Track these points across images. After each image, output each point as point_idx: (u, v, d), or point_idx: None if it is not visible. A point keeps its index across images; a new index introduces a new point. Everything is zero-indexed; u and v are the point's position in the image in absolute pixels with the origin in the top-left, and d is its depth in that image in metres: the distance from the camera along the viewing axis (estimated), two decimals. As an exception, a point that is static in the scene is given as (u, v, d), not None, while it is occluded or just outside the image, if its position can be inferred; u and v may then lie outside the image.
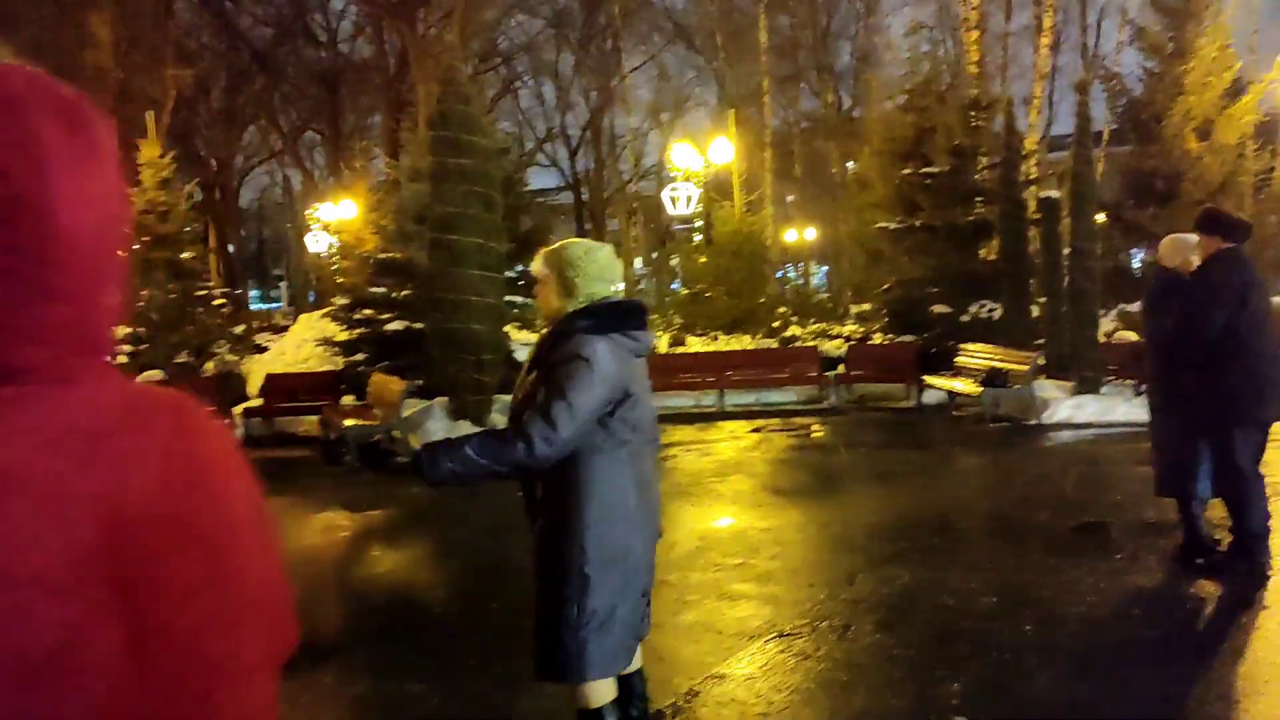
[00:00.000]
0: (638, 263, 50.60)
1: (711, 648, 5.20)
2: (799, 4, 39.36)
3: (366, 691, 4.88)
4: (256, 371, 17.99)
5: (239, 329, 22.44)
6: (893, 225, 18.12)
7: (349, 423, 12.53)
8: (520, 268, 19.45)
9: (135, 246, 20.14)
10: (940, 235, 17.28)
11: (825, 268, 49.97)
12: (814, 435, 12.76)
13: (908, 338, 16.58)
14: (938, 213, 17.42)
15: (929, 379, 14.49)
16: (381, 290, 15.64)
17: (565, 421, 3.04)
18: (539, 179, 58.95)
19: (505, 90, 47.71)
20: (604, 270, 3.28)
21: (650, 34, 45.87)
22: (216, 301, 21.52)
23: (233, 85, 43.56)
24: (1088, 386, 13.34)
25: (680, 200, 23.89)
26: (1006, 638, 5.12)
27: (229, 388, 15.75)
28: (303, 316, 23.08)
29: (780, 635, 5.29)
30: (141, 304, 19.02)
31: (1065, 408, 12.84)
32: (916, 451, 11.21)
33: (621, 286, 3.53)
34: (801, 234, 41.76)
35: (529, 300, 18.11)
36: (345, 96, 44.47)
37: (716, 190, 26.26)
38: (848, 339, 19.34)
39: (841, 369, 16.03)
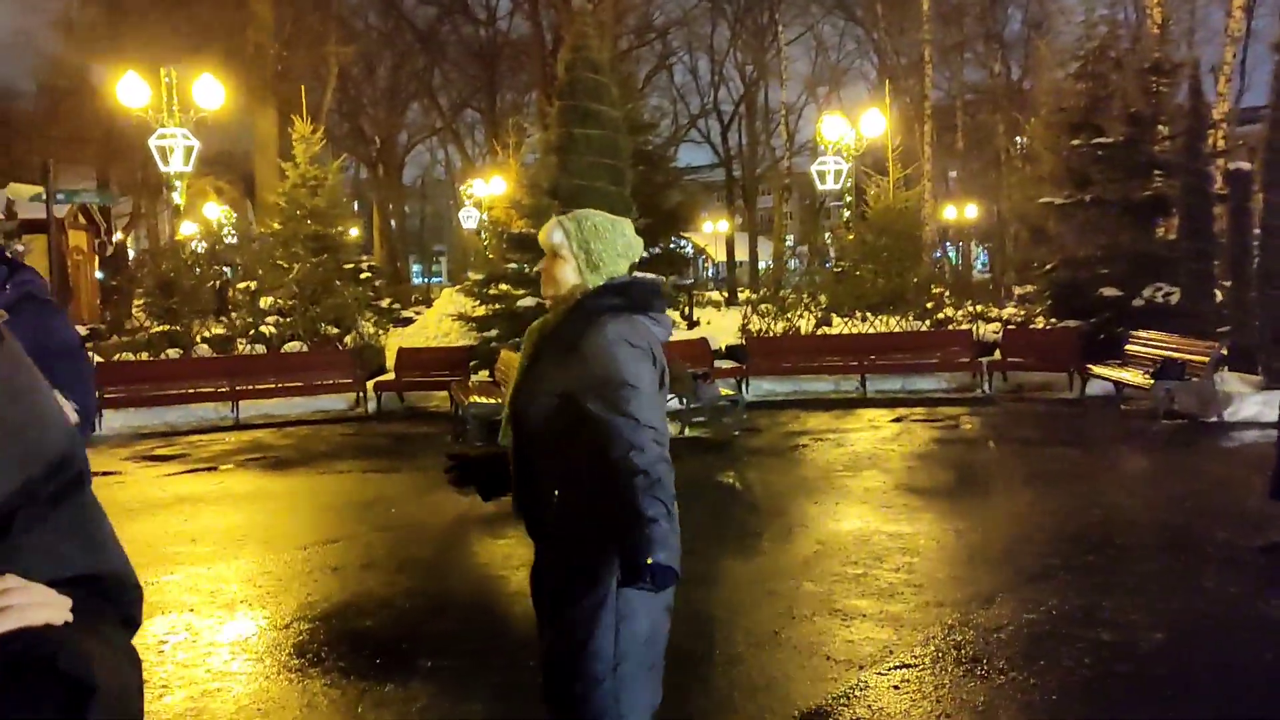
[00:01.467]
0: (789, 240, 49.64)
1: (815, 676, 4.53)
2: (967, -32, 37.55)
3: (423, 708, 4.41)
4: (397, 345, 18.04)
5: (385, 302, 22.72)
6: (1059, 200, 16.77)
7: (473, 400, 12.27)
8: (657, 248, 18.96)
9: (286, 220, 20.53)
10: (1112, 211, 15.87)
11: (985, 247, 48.01)
12: (962, 427, 11.80)
13: (1072, 323, 15.30)
14: (1110, 186, 16.00)
15: (1094, 369, 13.27)
16: (514, 265, 15.36)
17: (649, 408, 2.56)
18: (691, 156, 58.54)
19: (660, 66, 47.44)
20: (629, 246, 2.82)
21: (809, 5, 44.78)
22: (364, 275, 21.80)
23: (396, 64, 44.48)
24: (1277, 380, 11.93)
25: (829, 175, 22.88)
26: (1175, 687, 4.28)
27: (366, 360, 15.73)
28: (445, 291, 23.19)
29: (898, 666, 4.58)
30: (290, 276, 19.37)
31: (1251, 404, 11.50)
32: (1076, 450, 10.14)
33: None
34: (961, 211, 39.90)
35: (664, 277, 17.57)
36: (503, 74, 44.88)
37: (873, 165, 25.20)
38: (1005, 323, 18.12)
39: (997, 355, 14.91)
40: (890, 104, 25.63)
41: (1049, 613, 5.23)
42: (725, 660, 4.76)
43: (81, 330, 22.16)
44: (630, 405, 2.51)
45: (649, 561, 2.45)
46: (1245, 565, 5.96)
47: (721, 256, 50.86)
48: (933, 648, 4.77)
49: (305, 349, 16.61)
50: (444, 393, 14.03)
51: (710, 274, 55.35)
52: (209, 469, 10.45)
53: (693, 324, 18.96)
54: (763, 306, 18.17)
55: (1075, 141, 17.05)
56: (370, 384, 14.56)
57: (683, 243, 21.79)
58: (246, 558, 6.79)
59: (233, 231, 35.54)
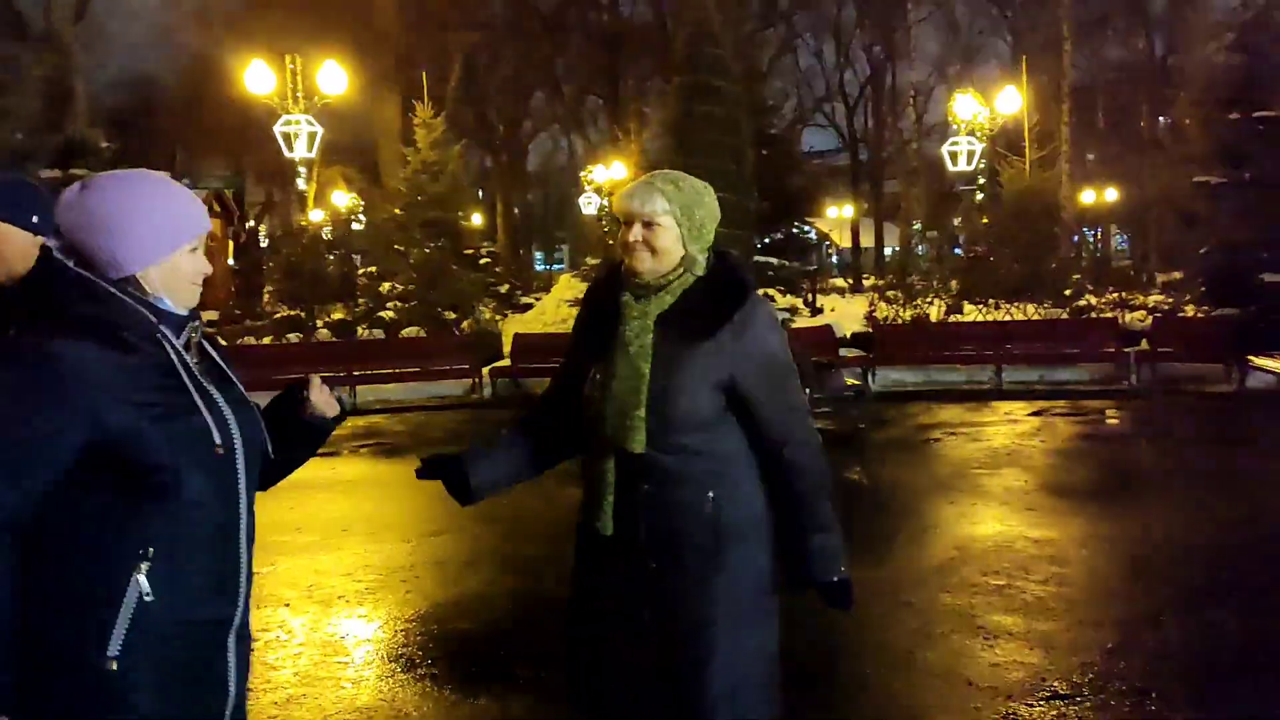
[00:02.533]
0: (916, 225, 48.22)
1: (955, 705, 4.01)
2: (1110, -60, 35.80)
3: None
4: (514, 331, 17.89)
5: (504, 288, 22.66)
6: (1214, 180, 15.58)
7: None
8: (779, 233, 18.38)
9: (406, 205, 20.60)
10: (1273, 190, 14.64)
11: (1123, 233, 45.86)
12: (1108, 422, 10.97)
13: (1228, 310, 14.17)
14: (1272, 165, 14.77)
15: (1255, 359, 12.23)
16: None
17: (804, 396, 2.55)
18: (816, 141, 57.51)
19: (784, 50, 46.62)
20: (717, 213, 2.53)
21: (941, -19, 43.35)
22: (483, 260, 21.76)
23: (520, 52, 44.67)
24: None
25: (961, 156, 21.89)
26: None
27: (483, 346, 15.59)
28: (563, 277, 23.00)
29: (1052, 696, 4.02)
30: (411, 261, 19.42)
31: None
32: (1238, 449, 9.24)
33: None
34: (1101, 195, 38.05)
35: (786, 263, 17.01)
36: (625, 60, 44.64)
37: (1005, 146, 24.09)
38: (1152, 310, 17.00)
39: (1145, 345, 13.91)
40: (1026, 82, 24.41)
41: (1228, 637, 4.58)
42: (852, 683, 4.27)
43: (210, 316, 22.73)
44: (796, 394, 2.42)
45: (836, 579, 2.45)
46: None
47: (846, 242, 49.74)
48: (1092, 675, 4.20)
49: (423, 334, 16.57)
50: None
51: (834, 261, 54.24)
52: (322, 454, 10.33)
53: (816, 311, 18.35)
54: (890, 293, 17.39)
55: (1232, 116, 15.85)
56: (486, 370, 14.39)
57: (805, 227, 21.14)
58: (349, 549, 6.56)
59: (361, 218, 36.16)
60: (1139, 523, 6.66)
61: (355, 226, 34.84)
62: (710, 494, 2.33)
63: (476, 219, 48.63)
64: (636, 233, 2.38)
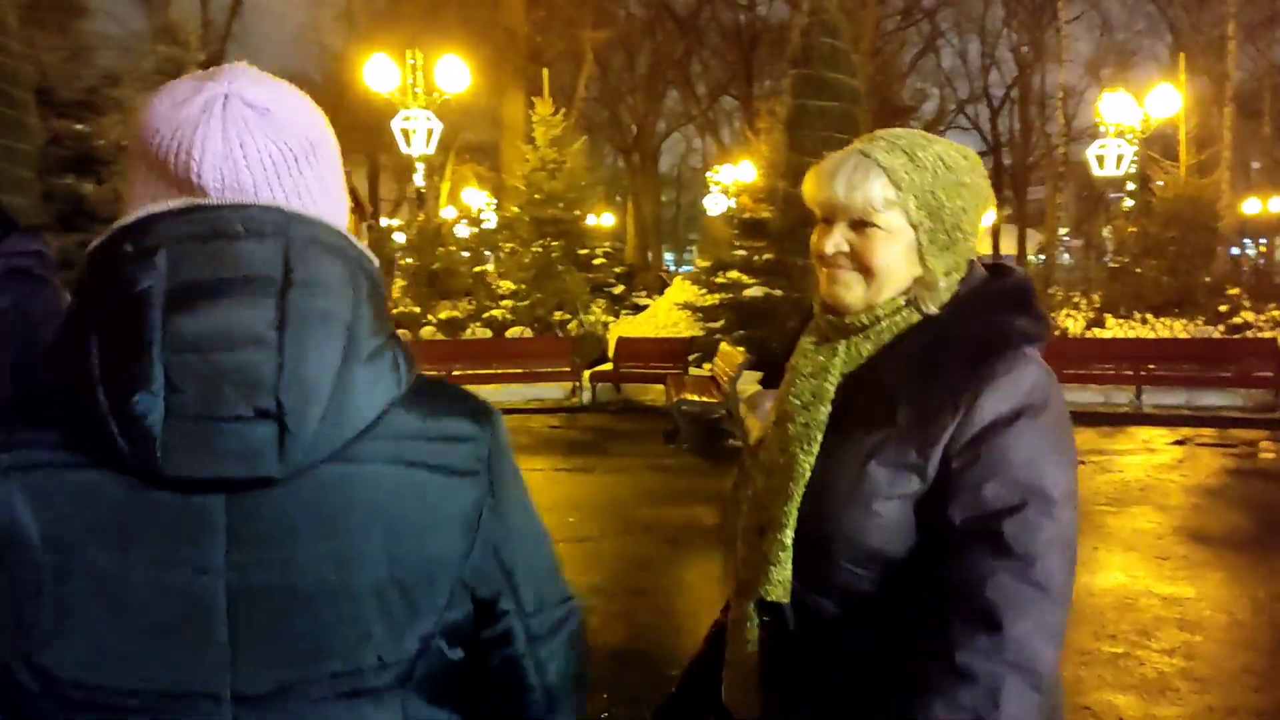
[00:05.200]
0: (1062, 233, 46.15)
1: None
2: (1284, -71, 33.52)
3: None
4: (626, 334, 17.45)
5: (618, 289, 22.23)
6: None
7: (687, 397, 11.40)
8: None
9: (524, 203, 20.40)
10: None
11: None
12: (1262, 456, 9.82)
13: None
14: None
15: None
16: (742, 253, 14.34)
17: (1064, 564, 1.35)
18: (962, 144, 55.78)
19: (927, 48, 45.29)
20: (988, 197, 1.52)
21: (1096, -22, 41.40)
22: (597, 260, 21.38)
23: (655, 51, 44.44)
24: None
25: (1109, 160, 20.45)
26: None
27: (588, 349, 15.16)
28: (677, 280, 22.49)
29: (1167, 810, 3.26)
30: (526, 260, 19.19)
31: None
32: None
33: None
34: (1266, 204, 35.55)
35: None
36: (761, 59, 43.98)
37: (1161, 151, 22.54)
38: (1321, 330, 15.48)
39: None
40: (1186, 84, 22.78)
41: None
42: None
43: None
44: (1029, 538, 1.31)
45: None
46: None
47: (987, 249, 47.99)
48: (1220, 785, 3.41)
49: (528, 335, 16.26)
50: (661, 386, 13.22)
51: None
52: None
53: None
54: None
55: None
56: (586, 374, 13.94)
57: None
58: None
59: (490, 216, 36.41)
60: (1291, 582, 5.73)
61: (487, 226, 35.15)
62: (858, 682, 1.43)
63: (608, 219, 48.89)
64: (838, 240, 1.47)
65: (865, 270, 1.45)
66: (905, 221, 1.43)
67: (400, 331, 16.52)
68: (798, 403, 1.51)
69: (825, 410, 1.47)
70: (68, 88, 12.53)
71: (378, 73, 18.27)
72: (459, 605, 1.06)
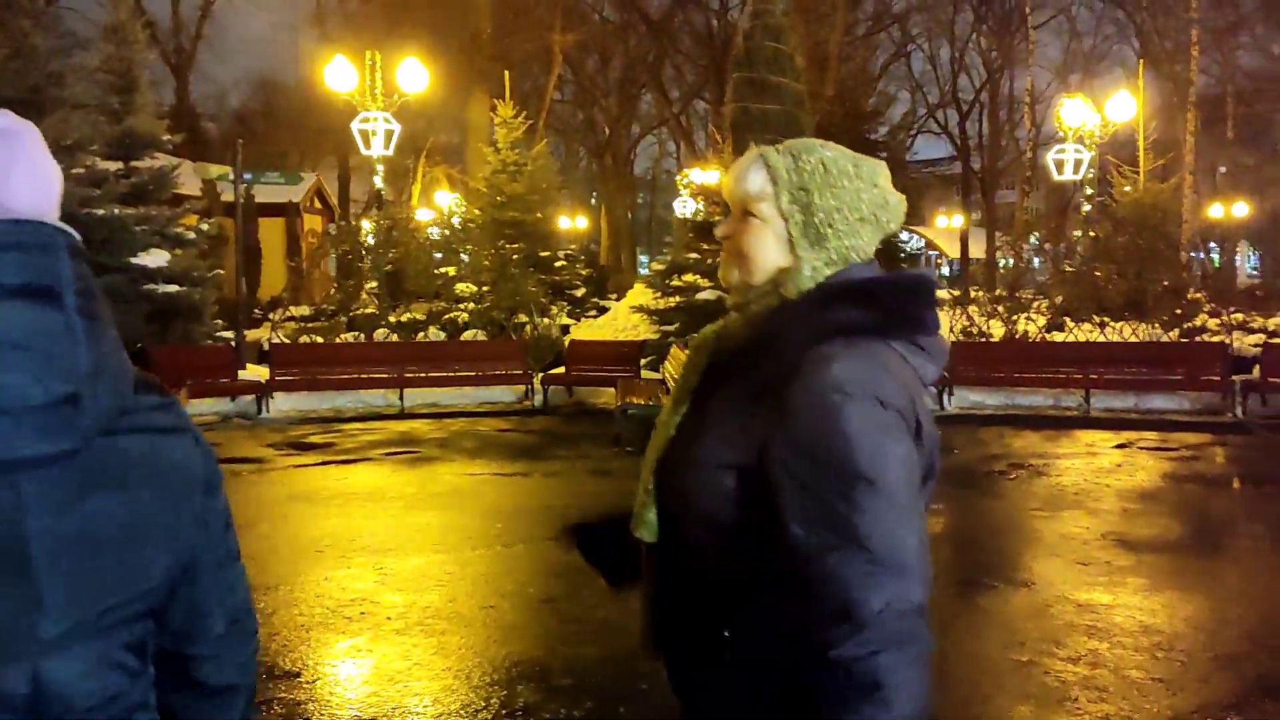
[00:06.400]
0: (1034, 238, 46.36)
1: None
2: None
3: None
4: (584, 337, 17.38)
5: (579, 292, 22.17)
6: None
7: (634, 400, 11.36)
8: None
9: (485, 206, 20.32)
10: None
11: (1256, 251, 43.32)
12: (1201, 460, 9.84)
13: (1355, 338, 12.79)
14: None
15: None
16: (696, 256, 14.31)
17: (892, 525, 1.40)
18: (932, 148, 55.97)
19: (898, 54, 45.41)
20: (881, 204, 1.60)
21: (1064, -15, 41.59)
22: (559, 263, 21.32)
23: (628, 54, 44.39)
24: None
25: (1068, 164, 20.57)
26: None
27: (541, 352, 15.07)
28: (637, 283, 22.44)
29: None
30: (486, 263, 19.11)
31: None
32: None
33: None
34: (1229, 209, 35.85)
35: (933, 271, 16.06)
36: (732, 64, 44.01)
37: (1127, 155, 22.71)
38: (1271, 335, 15.58)
39: (1255, 373, 12.62)
40: (1146, 90, 22.92)
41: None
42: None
43: (303, 312, 22.80)
44: (860, 520, 1.38)
45: None
46: None
47: (956, 253, 48.18)
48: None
49: (483, 337, 16.18)
50: (612, 389, 13.17)
51: (946, 272, 52.64)
52: (350, 461, 9.94)
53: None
54: (971, 308, 16.34)
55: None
56: (538, 377, 13.87)
57: (906, 236, 20.19)
58: (354, 567, 6.02)
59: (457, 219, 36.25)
60: (1210, 588, 5.72)
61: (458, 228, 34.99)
62: (726, 632, 1.53)
63: (582, 222, 48.81)
64: (727, 226, 1.64)
65: (740, 254, 1.59)
66: (777, 213, 1.57)
67: (351, 334, 16.43)
68: (683, 370, 1.67)
69: (695, 378, 1.62)
70: (10, 86, 12.37)
71: (337, 74, 18.13)
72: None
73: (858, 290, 1.53)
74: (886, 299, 1.53)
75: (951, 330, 15.69)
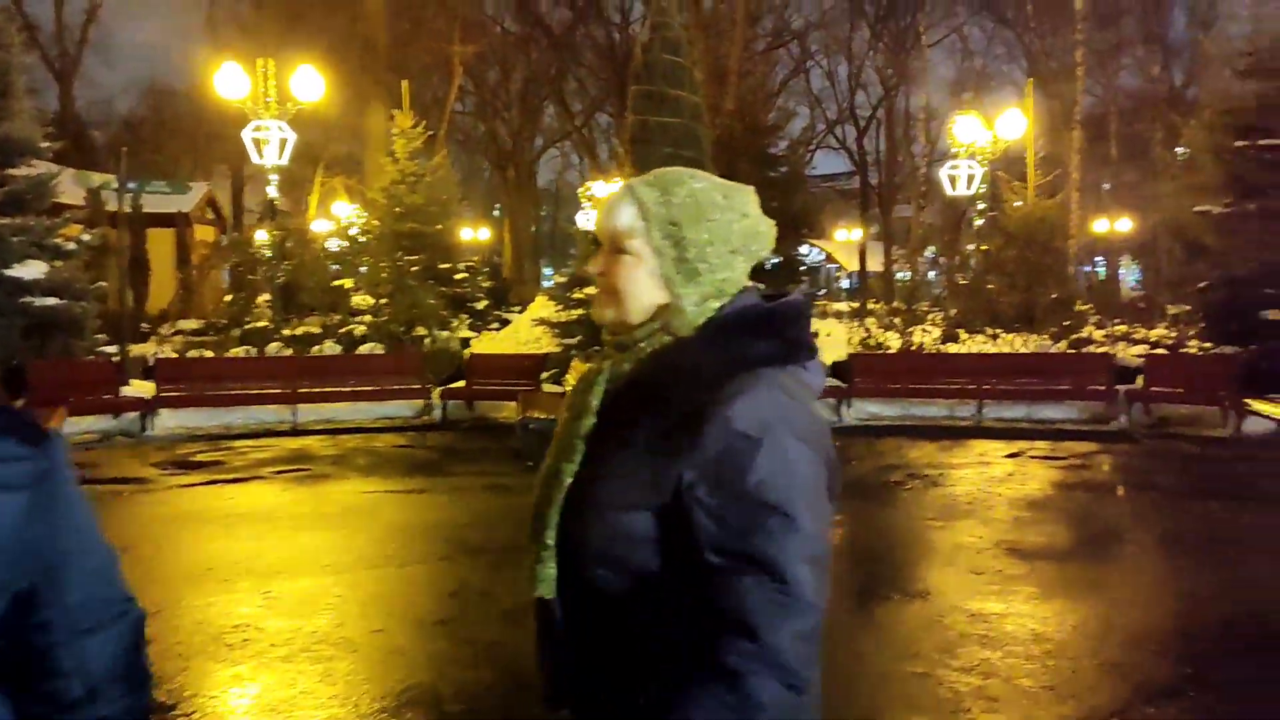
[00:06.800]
0: (930, 250, 47.48)
1: None
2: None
3: None
4: (484, 350, 17.16)
5: (481, 304, 21.91)
6: (1219, 209, 14.77)
7: (534, 414, 11.25)
8: (778, 256, 17.64)
9: (382, 217, 19.97)
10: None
11: (1139, 264, 44.99)
12: (1089, 468, 10.11)
13: (1228, 349, 13.31)
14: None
15: (1254, 403, 11.38)
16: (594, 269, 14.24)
17: (806, 557, 1.41)
18: (830, 163, 56.97)
19: (797, 70, 46.08)
20: (752, 234, 1.60)
21: (954, 6, 42.75)
22: (459, 275, 21.03)
23: (530, 67, 44.21)
24: None
25: (961, 180, 21.08)
26: None
27: (441, 365, 14.83)
28: (540, 296, 22.30)
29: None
30: (384, 275, 18.78)
31: None
32: (1228, 505, 8.36)
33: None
34: (1113, 225, 37.22)
35: (808, 290, 16.22)
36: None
37: (1015, 172, 23.35)
38: (1154, 345, 16.15)
39: (1139, 383, 13.05)
40: (1035, 108, 23.63)
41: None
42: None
43: (192, 325, 22.12)
44: (772, 551, 1.39)
45: None
46: None
47: (855, 266, 49.10)
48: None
49: (382, 351, 15.87)
50: (514, 403, 13.01)
51: (846, 285, 53.55)
52: (238, 480, 9.61)
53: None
54: (869, 321, 16.62)
55: (1241, 145, 15.07)
56: (436, 391, 13.63)
57: (805, 249, 20.45)
58: (239, 591, 5.77)
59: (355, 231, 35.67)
60: (1098, 595, 5.83)
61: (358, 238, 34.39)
62: (642, 694, 1.47)
63: (486, 233, 48.36)
64: (599, 262, 1.60)
65: (615, 291, 1.56)
66: (650, 249, 1.54)
67: (244, 348, 15.98)
68: (567, 415, 1.60)
69: (588, 423, 1.55)
70: None
71: (228, 81, 17.65)
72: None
73: (755, 321, 1.53)
74: (782, 327, 1.54)
75: (850, 342, 15.91)
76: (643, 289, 1.54)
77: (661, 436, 1.44)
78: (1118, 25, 37.96)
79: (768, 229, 1.60)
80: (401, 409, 13.74)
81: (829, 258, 50.73)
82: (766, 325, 1.53)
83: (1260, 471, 9.85)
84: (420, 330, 17.09)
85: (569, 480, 1.53)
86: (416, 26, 30.14)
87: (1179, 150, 32.73)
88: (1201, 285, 15.03)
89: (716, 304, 1.54)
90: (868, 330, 17.94)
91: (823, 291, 47.80)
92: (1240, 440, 11.46)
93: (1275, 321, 13.01)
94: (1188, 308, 17.43)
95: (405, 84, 21.47)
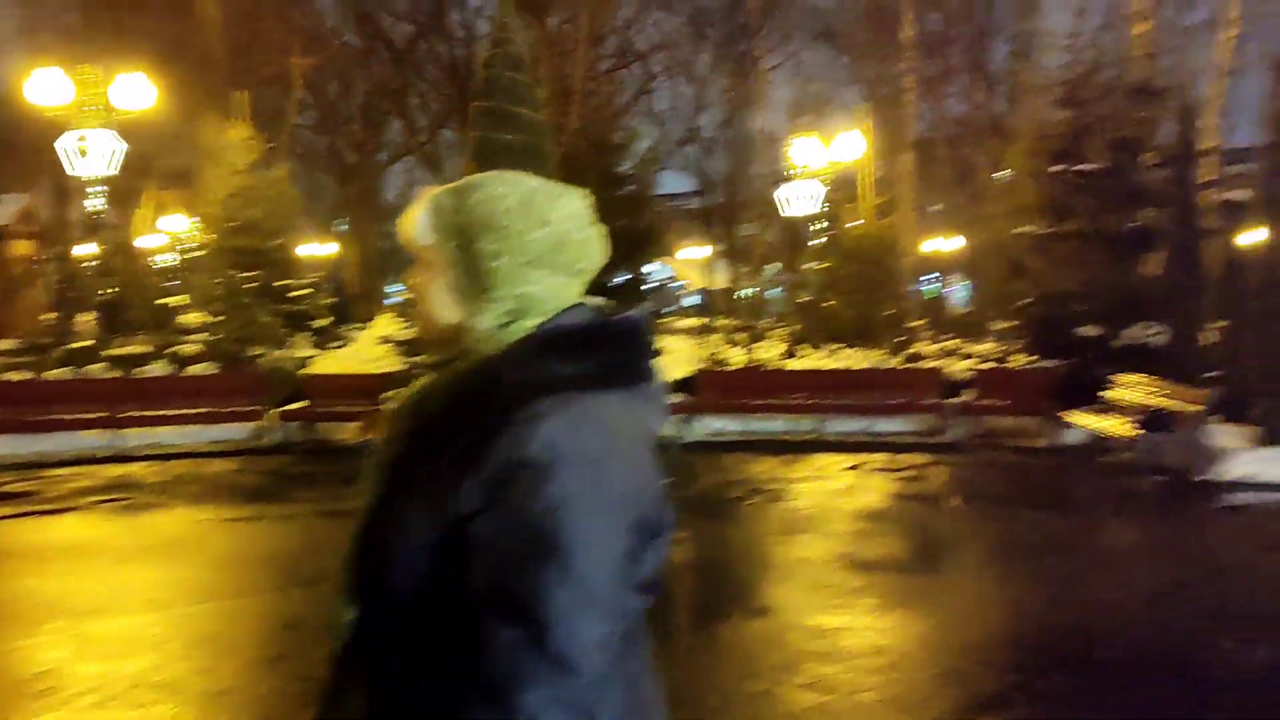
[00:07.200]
0: (773, 267, 48.64)
1: None
2: (953, -2, 36.98)
3: None
4: (325, 369, 16.65)
5: (322, 322, 21.30)
6: (1034, 230, 15.57)
7: (378, 436, 10.92)
8: (625, 274, 17.69)
9: (217, 231, 19.23)
10: (1093, 243, 14.65)
11: (967, 282, 47.14)
12: (923, 480, 10.46)
13: (1047, 363, 14.01)
14: (1092, 217, 14.80)
15: (1069, 415, 12.00)
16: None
17: (580, 618, 1.25)
18: (676, 183, 57.74)
19: (642, 90, 46.57)
20: (557, 242, 1.43)
21: (790, 33, 44.02)
22: (298, 293, 20.40)
23: (372, 80, 43.38)
24: (1278, 435, 10.65)
25: (797, 200, 21.66)
26: None
27: (277, 386, 14.29)
28: (385, 313, 21.85)
29: None
30: (218, 292, 18.04)
31: (1246, 462, 10.19)
32: (1050, 514, 8.77)
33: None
34: (944, 244, 38.91)
35: (646, 311, 16.27)
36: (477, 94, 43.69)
37: (853, 194, 24.14)
38: (983, 360, 16.88)
39: (965, 396, 13.60)
40: (872, 131, 24.50)
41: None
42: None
43: (8, 345, 20.75)
44: (538, 605, 1.23)
45: None
46: (1254, 690, 4.63)
47: (702, 283, 49.91)
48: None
49: (216, 371, 15.22)
50: (357, 424, 12.65)
51: (696, 302, 54.36)
52: (53, 511, 9.03)
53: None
54: (713, 337, 16.88)
55: (1056, 169, 15.94)
56: (274, 412, 13.14)
57: (653, 266, 20.63)
58: (46, 634, 5.36)
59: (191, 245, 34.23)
60: (930, 606, 6.00)
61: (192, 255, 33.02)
62: None
63: (333, 248, 47.07)
64: (411, 278, 1.49)
65: (424, 306, 1.46)
66: (444, 261, 1.42)
67: (65, 369, 15.10)
68: (379, 441, 1.49)
69: (390, 451, 1.44)
70: None
71: (41, 88, 16.72)
72: None
73: (570, 340, 1.39)
74: (603, 347, 1.40)
75: (695, 359, 16.09)
76: (441, 304, 1.43)
77: (453, 463, 1.31)
78: (944, 54, 39.70)
79: (586, 238, 1.45)
80: (234, 432, 13.18)
81: (676, 275, 51.40)
82: (582, 346, 1.39)
83: (1077, 480, 10.41)
84: (256, 349, 16.48)
85: (365, 510, 1.42)
86: (255, 38, 29.20)
87: (1001, 174, 34.59)
88: (1023, 303, 15.77)
89: (533, 322, 1.41)
90: (712, 347, 18.21)
91: (670, 308, 48.47)
92: (1058, 450, 12.06)
93: (1089, 337, 13.75)
94: (1013, 323, 18.30)
95: (244, 95, 20.75)
